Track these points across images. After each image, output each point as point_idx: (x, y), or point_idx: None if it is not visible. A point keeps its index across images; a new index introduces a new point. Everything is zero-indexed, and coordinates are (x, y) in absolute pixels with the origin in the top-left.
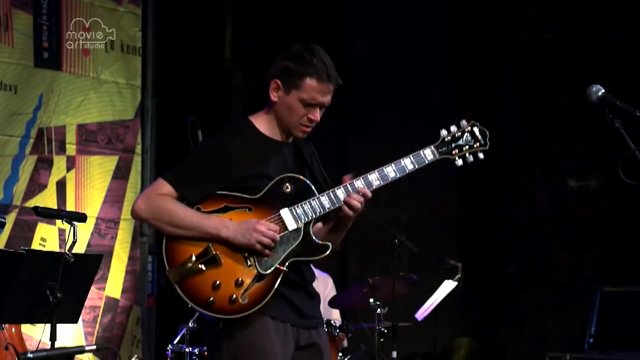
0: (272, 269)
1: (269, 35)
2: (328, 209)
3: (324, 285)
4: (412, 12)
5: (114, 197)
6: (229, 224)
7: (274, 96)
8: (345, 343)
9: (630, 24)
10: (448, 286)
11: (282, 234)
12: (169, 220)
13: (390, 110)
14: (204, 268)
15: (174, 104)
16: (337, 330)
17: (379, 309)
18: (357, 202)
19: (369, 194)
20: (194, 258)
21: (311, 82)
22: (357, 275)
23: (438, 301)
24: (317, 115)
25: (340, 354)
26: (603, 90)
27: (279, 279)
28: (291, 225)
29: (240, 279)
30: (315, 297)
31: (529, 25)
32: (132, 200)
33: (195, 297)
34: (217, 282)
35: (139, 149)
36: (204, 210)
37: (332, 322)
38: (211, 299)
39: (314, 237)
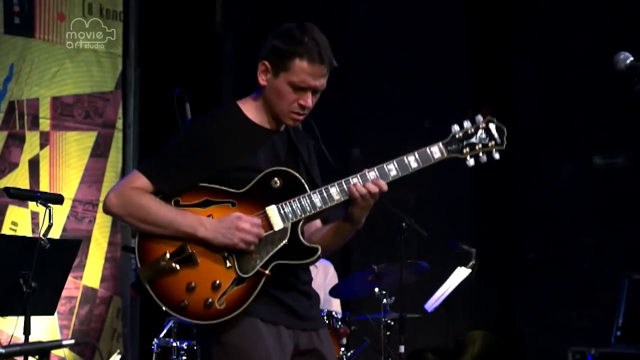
0: (254, 272)
1: None
2: (319, 208)
3: (325, 274)
4: None
5: (92, 177)
6: (207, 223)
7: (262, 79)
8: (344, 340)
9: None
10: (461, 274)
11: (267, 233)
12: (142, 217)
13: (396, 80)
14: (178, 268)
15: (159, 74)
16: (339, 323)
17: (384, 299)
18: (366, 190)
19: (384, 186)
20: (167, 256)
21: (301, 63)
22: (360, 263)
23: (450, 290)
24: (308, 100)
25: (342, 349)
26: (632, 58)
27: (261, 284)
28: (277, 224)
29: (217, 282)
30: (312, 297)
31: None
32: (112, 181)
33: (168, 299)
34: (192, 284)
35: (120, 124)
36: (183, 204)
37: (333, 313)
38: (185, 302)
39: (302, 239)
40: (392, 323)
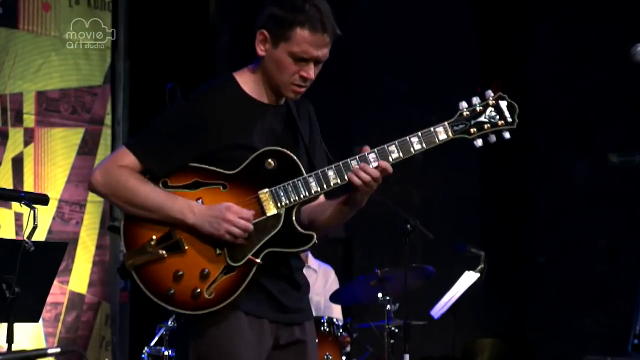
0: (244, 260)
1: None
2: (315, 192)
3: (325, 279)
4: None
5: (80, 176)
6: (196, 208)
7: (260, 50)
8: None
9: None
10: (469, 278)
11: (258, 219)
12: (128, 199)
13: (400, 73)
14: (165, 254)
15: (149, 67)
16: (341, 330)
17: (388, 305)
18: (367, 175)
19: (389, 168)
20: (154, 242)
21: (302, 32)
22: (363, 267)
23: (457, 296)
24: (310, 72)
25: (343, 357)
26: None
27: (252, 272)
28: (270, 210)
29: (206, 270)
30: (302, 287)
31: None
32: None
33: (154, 287)
34: (180, 272)
35: (108, 119)
36: (171, 185)
37: (334, 320)
38: (172, 290)
39: (296, 225)
40: (397, 330)
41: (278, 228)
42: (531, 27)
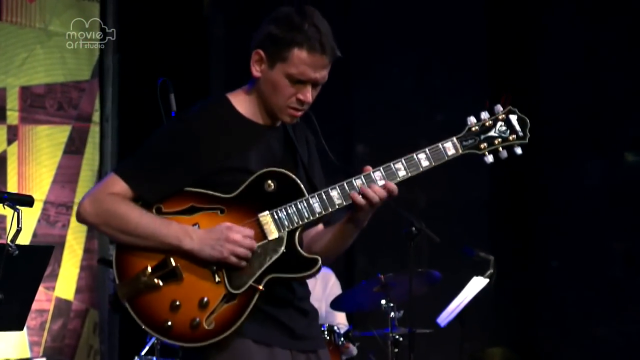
0: (246, 287)
1: None
2: (319, 214)
3: (325, 283)
4: None
5: (66, 176)
6: (194, 233)
7: (256, 70)
8: (354, 351)
9: None
10: (477, 284)
11: (259, 243)
12: (120, 226)
13: (404, 68)
14: (161, 284)
15: (140, 61)
16: (342, 338)
17: (392, 313)
18: (376, 194)
19: (395, 190)
20: (149, 271)
21: (300, 53)
22: (366, 271)
23: (465, 303)
24: (308, 95)
25: None
26: None
27: (254, 300)
28: (272, 233)
29: (205, 299)
30: (309, 313)
31: None
32: (88, 180)
33: (150, 319)
34: (177, 302)
35: (96, 116)
36: (166, 211)
37: (335, 327)
38: (169, 322)
39: (299, 249)
40: (401, 339)
41: (280, 252)
42: (542, 22)
